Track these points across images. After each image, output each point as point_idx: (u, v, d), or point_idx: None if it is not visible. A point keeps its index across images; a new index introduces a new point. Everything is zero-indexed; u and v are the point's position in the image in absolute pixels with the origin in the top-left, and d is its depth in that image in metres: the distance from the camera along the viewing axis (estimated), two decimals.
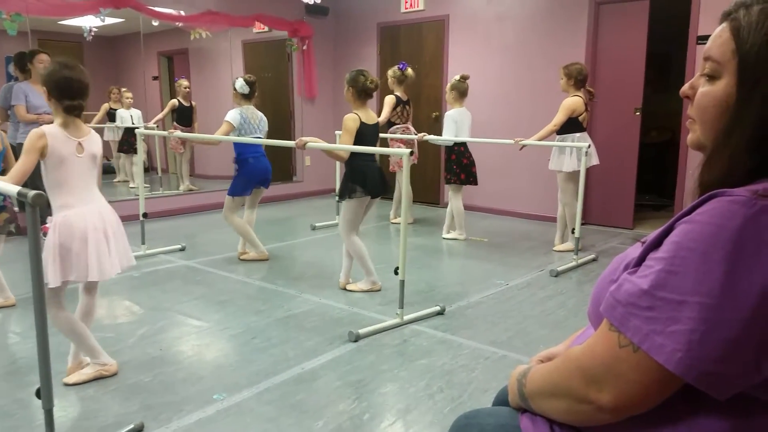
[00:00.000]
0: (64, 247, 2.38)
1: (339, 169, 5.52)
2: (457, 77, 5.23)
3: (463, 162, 5.21)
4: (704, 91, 0.87)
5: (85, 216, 2.44)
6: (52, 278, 2.37)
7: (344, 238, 3.80)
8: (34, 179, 3.57)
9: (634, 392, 0.80)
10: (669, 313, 0.76)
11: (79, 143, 2.46)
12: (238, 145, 4.42)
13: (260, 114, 4.50)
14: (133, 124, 6.91)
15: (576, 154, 4.66)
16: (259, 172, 4.46)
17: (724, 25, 0.85)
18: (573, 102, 4.66)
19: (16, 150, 4.96)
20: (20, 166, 2.31)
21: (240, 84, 4.41)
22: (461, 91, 5.18)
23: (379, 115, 4.91)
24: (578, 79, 4.68)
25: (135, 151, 5.56)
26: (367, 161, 3.69)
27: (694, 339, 0.74)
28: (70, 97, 2.41)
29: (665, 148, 7.06)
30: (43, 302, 1.79)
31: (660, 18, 5.67)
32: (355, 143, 3.60)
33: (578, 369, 0.87)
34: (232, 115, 4.33)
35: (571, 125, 4.68)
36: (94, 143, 2.54)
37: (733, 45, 0.82)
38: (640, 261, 0.84)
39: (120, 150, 7.28)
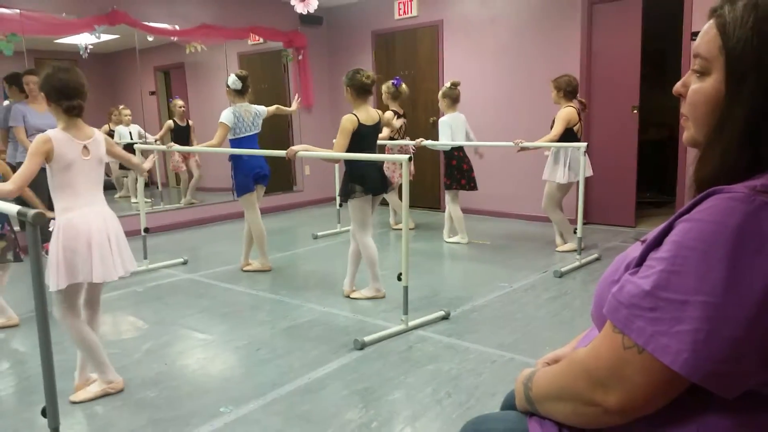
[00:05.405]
0: (69, 249, 2.39)
1: (338, 176, 5.53)
2: (448, 84, 5.28)
3: (463, 167, 5.23)
4: (695, 88, 0.87)
5: (88, 218, 2.45)
6: (58, 281, 2.37)
7: (358, 239, 3.78)
8: (36, 190, 3.56)
9: (641, 394, 0.79)
10: (672, 314, 0.75)
11: (85, 146, 2.47)
12: (233, 144, 4.42)
13: (254, 109, 4.48)
14: (132, 140, 6.91)
15: (571, 165, 4.70)
16: (254, 167, 4.44)
17: (711, 21, 0.86)
18: (568, 113, 4.69)
19: (16, 170, 4.97)
20: (24, 170, 2.32)
21: (232, 80, 4.40)
22: (453, 98, 5.24)
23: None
24: (567, 91, 4.72)
25: None
26: (366, 160, 3.68)
27: (699, 339, 0.73)
28: (68, 98, 2.42)
29: (664, 145, 7.06)
30: (47, 321, 1.79)
31: (654, 15, 5.69)
32: (354, 144, 3.59)
33: (584, 372, 0.86)
34: (226, 116, 4.33)
35: (566, 137, 4.69)
36: (99, 146, 2.54)
37: (719, 41, 0.83)
38: (641, 261, 0.84)
39: (121, 167, 7.28)
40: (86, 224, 2.43)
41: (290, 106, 5.16)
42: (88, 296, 2.65)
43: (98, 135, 2.57)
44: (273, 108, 4.69)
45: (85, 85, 2.48)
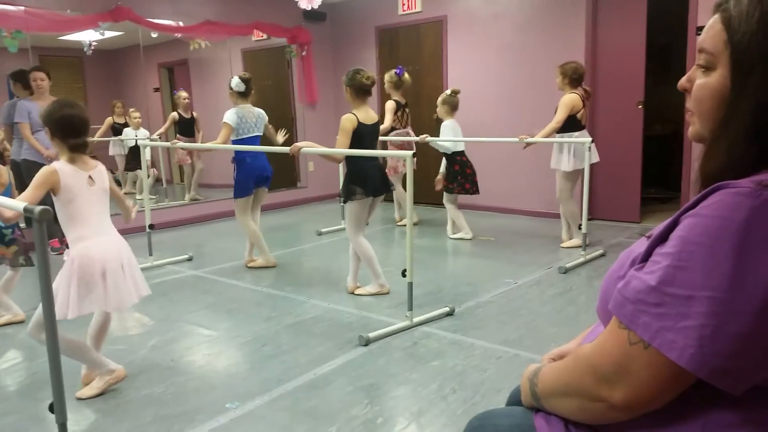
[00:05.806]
0: (83, 282, 2.39)
1: (342, 173, 5.53)
2: (448, 92, 5.30)
3: (466, 172, 5.24)
4: (700, 83, 0.87)
5: (102, 247, 2.47)
6: (68, 311, 2.36)
7: (351, 239, 3.81)
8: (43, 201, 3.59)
9: (647, 389, 0.79)
10: (678, 309, 0.75)
11: (90, 176, 2.50)
12: (236, 144, 4.43)
13: (257, 111, 4.51)
14: (137, 139, 6.91)
15: (575, 152, 4.68)
16: (256, 169, 4.46)
17: (716, 16, 0.85)
18: (571, 99, 4.67)
19: (20, 166, 5.00)
20: (25, 198, 2.29)
21: (236, 82, 4.42)
22: (453, 105, 5.26)
23: (380, 117, 4.93)
24: (573, 78, 4.70)
25: (141, 167, 5.54)
26: (367, 161, 3.68)
27: (705, 334, 0.73)
28: (75, 136, 2.45)
29: (670, 140, 7.03)
30: (54, 317, 1.81)
31: (659, 10, 5.66)
32: (354, 143, 3.60)
33: (589, 367, 0.86)
34: (230, 116, 4.35)
35: (570, 123, 4.69)
36: (103, 176, 2.58)
37: (725, 35, 0.82)
38: (646, 256, 0.84)
39: (126, 168, 7.27)
40: (101, 254, 2.45)
41: (290, 111, 5.16)
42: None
43: (101, 166, 2.60)
44: (268, 124, 4.68)
45: (89, 121, 2.50)
